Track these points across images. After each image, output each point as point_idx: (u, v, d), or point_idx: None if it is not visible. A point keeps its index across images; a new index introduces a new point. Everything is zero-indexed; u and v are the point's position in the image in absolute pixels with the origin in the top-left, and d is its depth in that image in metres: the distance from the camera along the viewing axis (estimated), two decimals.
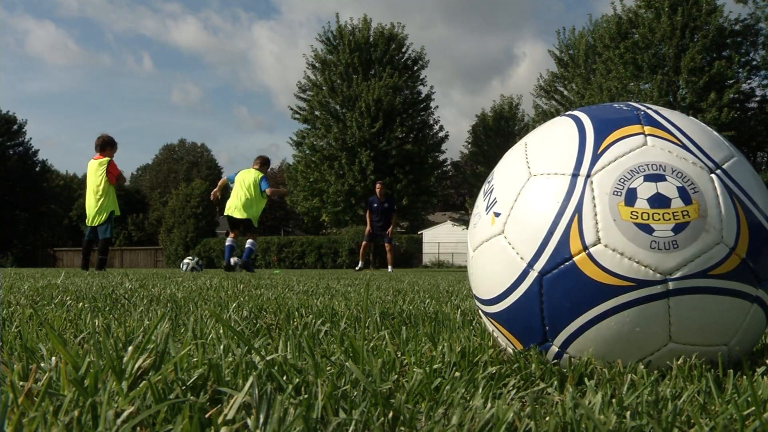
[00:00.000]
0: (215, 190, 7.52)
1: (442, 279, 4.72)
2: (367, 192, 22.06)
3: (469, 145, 28.27)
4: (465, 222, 27.64)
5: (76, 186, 33.55)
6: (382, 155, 22.92)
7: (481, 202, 0.92)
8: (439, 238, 32.27)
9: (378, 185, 9.63)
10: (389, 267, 9.69)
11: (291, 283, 3.59)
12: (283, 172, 29.26)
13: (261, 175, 7.30)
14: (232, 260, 7.48)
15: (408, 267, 30.30)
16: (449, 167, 29.82)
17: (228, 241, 7.36)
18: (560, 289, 0.77)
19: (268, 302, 1.78)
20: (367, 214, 9.77)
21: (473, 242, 0.92)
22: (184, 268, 9.03)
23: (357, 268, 9.59)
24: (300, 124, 24.09)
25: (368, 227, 9.61)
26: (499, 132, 27.43)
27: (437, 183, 25.10)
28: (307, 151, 23.82)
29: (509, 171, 0.87)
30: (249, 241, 7.26)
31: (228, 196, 7.43)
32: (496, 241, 0.84)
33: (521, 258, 0.80)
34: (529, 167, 0.84)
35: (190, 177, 51.12)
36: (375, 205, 9.70)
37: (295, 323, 1.18)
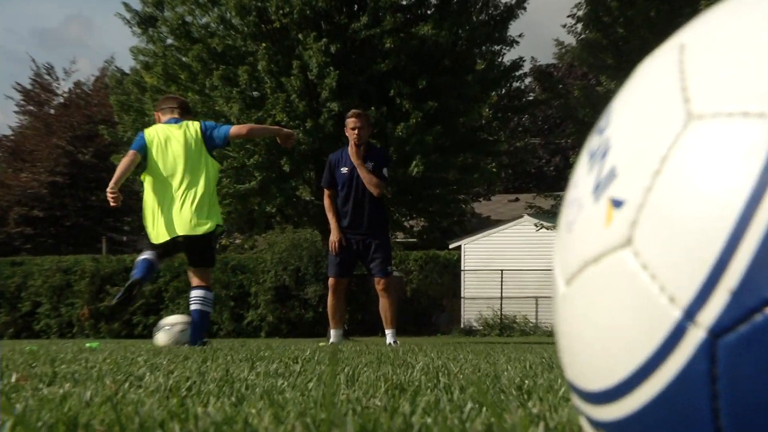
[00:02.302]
0: (114, 183, 8.44)
1: (510, 358, 4.85)
2: (324, 147, 22.18)
3: (579, 27, 28.39)
4: None
5: None
6: (358, 52, 23.08)
7: (583, 176, 1.04)
8: (501, 259, 32.52)
9: (352, 118, 9.83)
10: (388, 333, 9.88)
11: (134, 367, 3.70)
12: (109, 92, 29.20)
13: (199, 122, 8.86)
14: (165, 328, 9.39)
15: (423, 333, 30.57)
16: (527, 80, 29.81)
17: (146, 254, 8.79)
18: (756, 366, 0.87)
19: (87, 411, 1.90)
20: (326, 198, 9.99)
21: (567, 264, 1.03)
22: None
23: (328, 342, 9.78)
24: None
25: (335, 234, 9.79)
26: None
27: (499, 121, 25.34)
28: (169, 41, 23.88)
29: (645, 109, 0.98)
30: (198, 294, 8.81)
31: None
32: (617, 262, 0.95)
33: (670, 298, 0.91)
34: (687, 100, 0.95)
35: None
36: (344, 170, 9.89)
37: None
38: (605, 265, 0.96)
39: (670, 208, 0.92)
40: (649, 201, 0.93)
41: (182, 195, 8.55)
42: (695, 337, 0.90)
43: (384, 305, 9.87)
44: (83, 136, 44.12)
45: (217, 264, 30.37)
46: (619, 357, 0.95)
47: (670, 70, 0.98)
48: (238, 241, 35.61)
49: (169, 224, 8.52)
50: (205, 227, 8.67)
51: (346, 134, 9.87)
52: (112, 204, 8.30)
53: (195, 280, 8.76)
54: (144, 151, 8.59)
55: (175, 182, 8.58)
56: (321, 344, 9.29)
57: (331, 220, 9.89)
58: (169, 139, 8.68)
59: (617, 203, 0.96)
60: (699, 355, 0.90)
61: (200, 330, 8.72)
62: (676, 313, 0.90)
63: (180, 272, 30.04)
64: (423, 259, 32.16)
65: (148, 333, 29.94)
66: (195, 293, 8.73)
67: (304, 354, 5.36)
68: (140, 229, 41.04)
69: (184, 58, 23.38)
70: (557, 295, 1.07)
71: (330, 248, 9.88)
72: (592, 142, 1.05)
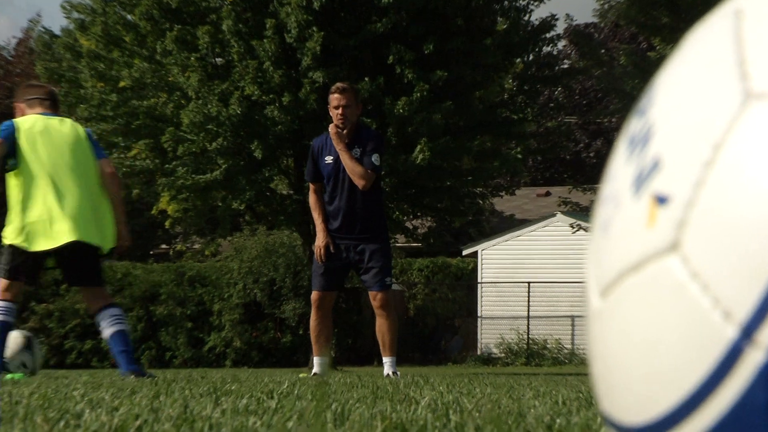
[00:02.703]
0: None
1: (539, 392, 4.87)
2: (305, 128, 22.14)
3: None
4: None
5: None
6: (348, 8, 23.00)
7: (620, 167, 1.07)
8: (528, 269, 32.50)
9: (336, 94, 9.85)
10: (387, 361, 9.92)
11: (70, 403, 3.73)
12: (35, 58, 29.09)
13: (83, 128, 9.15)
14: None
15: (430, 361, 30.39)
16: (561, 44, 29.49)
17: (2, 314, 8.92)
18: None
19: None
20: (311, 194, 10.14)
21: (602, 273, 1.07)
22: None
23: (311, 373, 9.83)
24: None
25: (320, 238, 9.85)
26: None
27: (526, 95, 25.24)
28: None
29: (695, 86, 1.02)
30: (114, 312, 8.94)
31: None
32: (661, 270, 0.99)
33: (724, 314, 0.94)
34: (745, 76, 0.98)
35: None
36: (329, 160, 10.03)
37: None
38: (647, 274, 1.00)
39: (725, 206, 0.95)
40: (701, 197, 0.96)
41: (76, 199, 8.59)
42: (754, 360, 0.92)
43: (382, 326, 9.89)
44: (3, 114, 44.09)
45: (171, 275, 30.34)
46: (663, 385, 0.98)
47: (724, 40, 1.01)
48: (197, 246, 35.60)
49: (58, 231, 8.54)
50: (110, 240, 8.80)
51: (330, 113, 9.89)
52: None
53: (98, 302, 8.81)
54: (13, 140, 8.61)
55: (65, 183, 8.61)
56: (302, 375, 9.33)
57: (316, 220, 9.92)
58: (49, 130, 8.74)
59: (662, 200, 0.99)
60: (758, 382, 0.92)
61: (132, 353, 8.85)
62: (731, 332, 0.93)
63: (123, 286, 30.01)
64: (430, 269, 32.14)
65: (85, 361, 29.92)
66: (109, 312, 8.77)
67: (280, 387, 5.39)
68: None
69: (129, 16, 23.36)
70: (590, 310, 1.10)
71: (315, 255, 9.92)
72: (633, 125, 1.08)
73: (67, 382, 6.62)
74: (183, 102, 22.68)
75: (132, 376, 8.08)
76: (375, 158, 9.79)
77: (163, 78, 22.92)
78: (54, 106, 9.08)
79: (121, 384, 6.09)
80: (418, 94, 21.87)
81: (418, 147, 21.89)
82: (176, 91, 22.81)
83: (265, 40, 21.99)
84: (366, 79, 21.60)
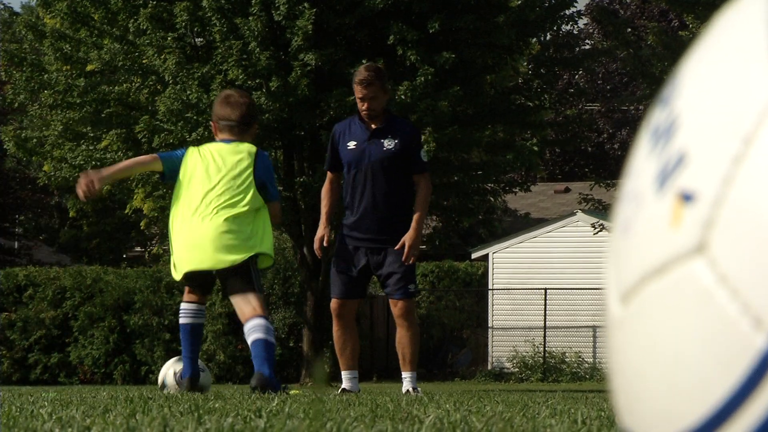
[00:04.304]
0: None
1: (556, 411, 4.89)
2: (295, 116, 22.14)
3: None
4: None
5: None
6: None
7: (643, 162, 1.09)
8: (545, 274, 32.47)
9: (360, 86, 9.78)
10: (406, 377, 9.94)
11: (37, 422, 3.76)
12: None
13: (254, 149, 9.04)
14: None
15: (436, 376, 30.31)
16: (582, 22, 29.50)
17: (187, 315, 9.27)
18: None
19: None
20: (326, 183, 10.20)
21: (623, 278, 1.09)
22: None
23: (339, 389, 9.93)
24: None
25: (319, 231, 9.90)
26: None
27: (542, 80, 25.23)
28: None
29: (724, 74, 1.03)
30: (255, 322, 8.91)
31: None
32: (686, 274, 1.00)
33: (755, 321, 0.96)
34: None
35: None
36: (351, 145, 9.95)
37: None
38: (672, 279, 1.02)
39: (756, 204, 0.96)
40: (729, 195, 0.98)
41: None
42: None
43: (402, 338, 9.89)
44: None
45: (147, 281, 30.27)
46: (688, 399, 1.00)
47: (755, 25, 1.03)
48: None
49: None
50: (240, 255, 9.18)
51: (356, 98, 9.91)
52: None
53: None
54: (167, 166, 9.13)
55: None
56: (294, 392, 9.34)
57: (322, 209, 9.97)
58: (221, 153, 9.08)
59: (687, 197, 1.01)
60: None
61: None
62: (760, 341, 0.95)
63: (93, 293, 29.96)
64: (435, 274, 32.09)
65: (51, 377, 29.86)
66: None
67: (269, 405, 5.40)
68: (36, 233, 40.24)
69: None
70: (610, 318, 1.12)
71: (315, 248, 10.00)
72: (656, 116, 1.10)
73: (33, 399, 6.64)
74: (159, 87, 22.68)
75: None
76: (423, 154, 9.83)
77: (136, 61, 22.91)
78: (231, 128, 9.07)
79: (92, 402, 6.11)
80: (422, 79, 21.84)
81: (422, 138, 21.85)
82: (151, 75, 22.80)
83: (250, 18, 21.98)
84: (363, 61, 21.54)
